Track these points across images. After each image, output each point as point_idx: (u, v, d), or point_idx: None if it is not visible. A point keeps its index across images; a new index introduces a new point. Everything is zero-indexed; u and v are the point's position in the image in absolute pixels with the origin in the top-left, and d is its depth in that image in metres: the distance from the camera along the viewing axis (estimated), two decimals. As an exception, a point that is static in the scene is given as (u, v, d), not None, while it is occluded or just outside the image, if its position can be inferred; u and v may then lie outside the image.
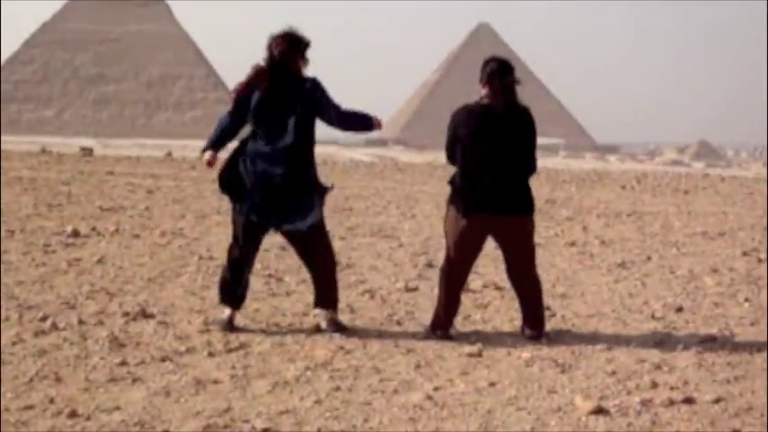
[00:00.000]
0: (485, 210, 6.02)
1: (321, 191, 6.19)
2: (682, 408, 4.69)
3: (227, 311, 6.26)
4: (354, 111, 6.21)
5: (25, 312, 6.55)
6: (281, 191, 5.99)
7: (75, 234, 10.77)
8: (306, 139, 6.07)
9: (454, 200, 6.13)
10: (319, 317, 6.36)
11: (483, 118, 6.02)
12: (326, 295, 6.30)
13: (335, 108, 6.10)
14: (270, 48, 6.06)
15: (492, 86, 6.03)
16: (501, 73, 6.04)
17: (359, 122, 6.24)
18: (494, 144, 5.98)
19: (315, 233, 6.18)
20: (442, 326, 6.20)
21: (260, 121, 6.04)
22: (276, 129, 5.99)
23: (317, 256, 6.26)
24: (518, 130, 6.04)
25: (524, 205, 6.11)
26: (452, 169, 6.25)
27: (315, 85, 6.08)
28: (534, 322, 6.24)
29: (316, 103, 6.05)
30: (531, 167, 6.15)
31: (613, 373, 5.31)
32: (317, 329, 6.25)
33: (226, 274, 6.31)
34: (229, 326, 6.19)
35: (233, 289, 6.27)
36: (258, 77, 6.04)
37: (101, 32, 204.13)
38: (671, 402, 4.73)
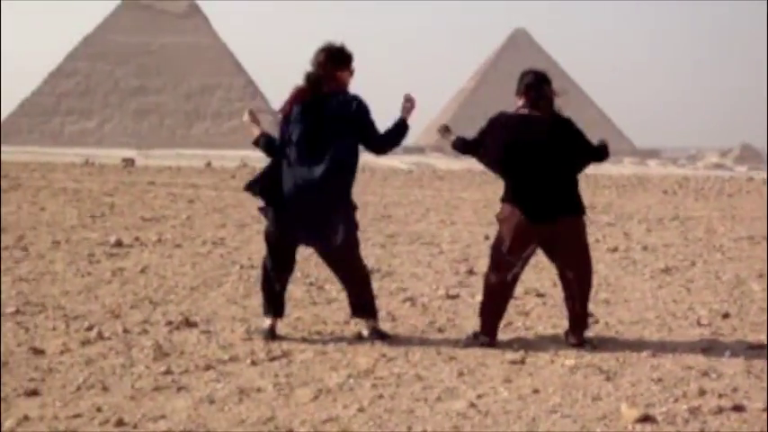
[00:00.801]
0: (534, 218, 6.00)
1: (351, 209, 6.17)
2: (731, 415, 4.61)
3: (267, 320, 6.30)
4: (387, 130, 6.20)
5: (71, 322, 6.63)
6: (315, 205, 5.99)
7: (119, 244, 10.89)
8: (348, 155, 6.06)
9: (508, 207, 6.10)
10: (361, 325, 6.37)
11: (521, 127, 6.03)
12: (364, 305, 6.31)
13: (375, 135, 6.12)
14: (312, 63, 6.09)
15: (529, 97, 6.04)
16: (538, 84, 6.05)
17: (395, 135, 6.19)
18: (533, 153, 5.97)
19: (343, 248, 6.16)
20: (485, 332, 6.17)
21: (301, 135, 6.02)
22: (319, 143, 5.99)
23: (348, 269, 6.28)
24: (557, 140, 6.02)
25: (573, 206, 6.09)
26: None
27: (360, 107, 6.06)
28: (577, 327, 6.19)
29: (360, 126, 6.04)
30: (602, 153, 6.20)
31: (660, 380, 5.24)
32: (359, 337, 6.25)
33: (262, 285, 6.37)
34: (271, 334, 6.22)
35: (269, 299, 6.31)
36: (299, 96, 6.06)
37: (141, 45, 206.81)
38: (720, 410, 4.66)
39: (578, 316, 6.21)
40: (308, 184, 5.96)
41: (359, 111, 6.05)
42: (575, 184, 6.15)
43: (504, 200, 6.16)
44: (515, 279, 6.23)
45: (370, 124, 6.10)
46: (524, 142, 5.97)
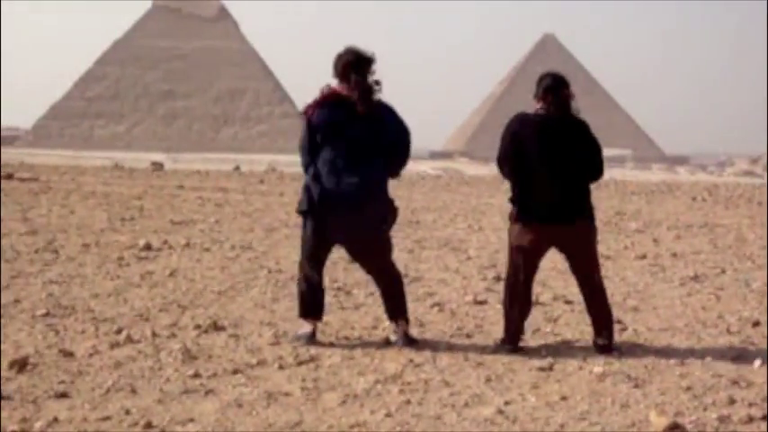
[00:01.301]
0: (544, 220, 6.06)
1: (391, 208, 6.24)
2: (761, 425, 4.57)
3: (308, 325, 6.30)
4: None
5: (101, 325, 6.69)
6: (354, 204, 6.04)
7: (148, 248, 10.96)
8: (379, 156, 6.14)
9: (515, 212, 6.18)
10: (390, 330, 6.37)
11: (538, 129, 6.08)
12: (396, 308, 6.31)
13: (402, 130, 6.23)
14: (336, 67, 6.14)
15: (547, 101, 6.09)
16: (556, 87, 6.10)
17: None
18: (549, 155, 6.02)
19: (380, 246, 6.24)
20: (510, 339, 6.17)
21: (333, 138, 6.09)
22: (350, 145, 6.05)
23: (381, 269, 6.31)
24: (574, 142, 6.09)
25: (582, 212, 6.12)
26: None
27: (389, 109, 6.19)
28: (602, 330, 6.18)
29: (390, 126, 6.16)
30: (597, 172, 6.18)
31: (689, 388, 5.20)
32: (387, 343, 6.25)
33: (303, 290, 6.35)
34: (312, 339, 6.23)
35: (313, 302, 6.32)
36: (326, 99, 6.11)
37: (170, 49, 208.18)
38: (750, 419, 4.62)
39: (597, 318, 6.21)
40: (356, 189, 6.03)
41: (390, 113, 6.18)
42: (586, 187, 6.17)
43: (512, 200, 6.23)
44: (527, 281, 6.24)
45: (398, 121, 6.21)
46: (537, 143, 6.03)
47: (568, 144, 6.05)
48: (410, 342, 6.21)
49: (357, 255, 6.39)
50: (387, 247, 6.32)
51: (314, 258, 6.30)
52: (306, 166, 6.21)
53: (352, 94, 6.06)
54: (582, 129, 6.14)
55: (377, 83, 6.13)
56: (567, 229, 6.10)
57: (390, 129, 6.17)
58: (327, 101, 6.11)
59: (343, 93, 6.09)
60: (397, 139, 6.20)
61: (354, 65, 6.10)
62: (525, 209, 6.10)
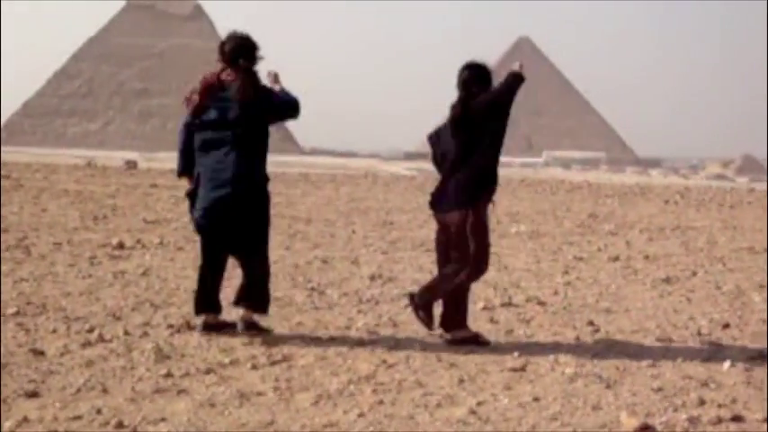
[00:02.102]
0: (434, 208, 6.52)
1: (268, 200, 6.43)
2: (730, 426, 4.62)
3: (202, 318, 6.44)
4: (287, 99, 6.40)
5: (72, 324, 6.63)
6: (231, 193, 6.20)
7: (121, 246, 10.89)
8: (253, 144, 6.29)
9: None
10: (238, 315, 6.47)
11: (443, 129, 6.55)
12: (253, 296, 6.44)
13: (281, 101, 6.36)
14: (218, 53, 6.37)
15: (459, 97, 6.45)
16: (470, 81, 6.44)
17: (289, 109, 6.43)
18: (442, 146, 6.49)
19: (260, 234, 6.39)
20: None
21: (208, 127, 6.32)
22: (225, 134, 6.25)
23: (256, 257, 6.42)
24: (460, 135, 6.35)
25: (458, 202, 6.32)
26: None
27: (268, 89, 6.35)
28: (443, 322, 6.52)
29: (267, 105, 6.30)
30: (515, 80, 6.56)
31: (659, 389, 5.25)
32: (361, 343, 6.25)
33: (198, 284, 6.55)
34: (210, 327, 6.36)
35: (204, 297, 6.45)
36: (205, 88, 6.33)
37: (145, 47, 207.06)
38: (719, 420, 4.67)
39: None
40: (223, 175, 6.22)
41: (269, 93, 6.32)
42: (472, 176, 6.31)
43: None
44: (442, 264, 6.53)
45: (275, 97, 6.34)
46: (438, 136, 6.57)
47: (456, 138, 6.35)
48: (252, 328, 6.38)
49: (236, 241, 6.41)
50: (266, 237, 6.47)
51: (205, 250, 6.46)
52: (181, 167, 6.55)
53: (237, 79, 6.23)
54: (472, 115, 6.32)
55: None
56: (446, 218, 6.40)
57: (278, 107, 6.33)
58: (211, 89, 6.29)
59: (228, 79, 6.28)
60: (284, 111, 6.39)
61: (242, 50, 6.29)
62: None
